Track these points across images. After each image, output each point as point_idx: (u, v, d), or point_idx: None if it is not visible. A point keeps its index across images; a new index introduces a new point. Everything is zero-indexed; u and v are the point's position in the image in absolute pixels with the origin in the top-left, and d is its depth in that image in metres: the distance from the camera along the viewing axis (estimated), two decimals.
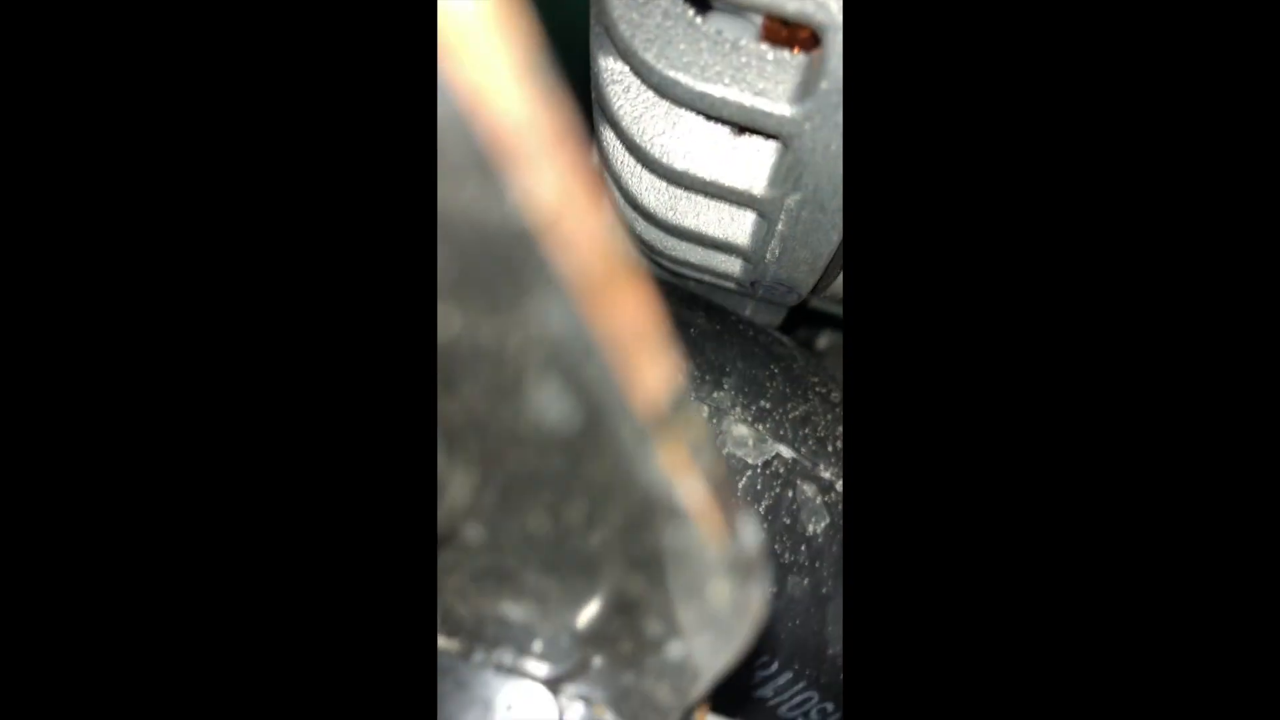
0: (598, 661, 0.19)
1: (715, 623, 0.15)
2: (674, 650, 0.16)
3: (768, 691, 0.31)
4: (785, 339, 0.35)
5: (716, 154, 0.25)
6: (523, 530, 0.14)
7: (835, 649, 0.30)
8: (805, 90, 0.22)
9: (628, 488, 0.12)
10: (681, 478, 0.12)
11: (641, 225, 0.31)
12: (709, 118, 0.25)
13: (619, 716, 0.19)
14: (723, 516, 0.13)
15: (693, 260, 0.31)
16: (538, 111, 0.09)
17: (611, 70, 0.25)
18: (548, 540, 0.14)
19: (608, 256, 0.10)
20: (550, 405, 0.11)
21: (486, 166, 0.09)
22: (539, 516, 0.14)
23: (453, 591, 0.17)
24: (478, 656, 0.19)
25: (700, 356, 0.30)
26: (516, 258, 0.10)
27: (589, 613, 0.16)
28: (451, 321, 0.11)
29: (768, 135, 0.24)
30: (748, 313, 0.37)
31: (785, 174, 0.24)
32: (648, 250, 0.33)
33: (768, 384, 0.31)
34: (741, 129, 0.25)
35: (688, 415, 0.12)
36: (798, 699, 0.31)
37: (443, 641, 0.19)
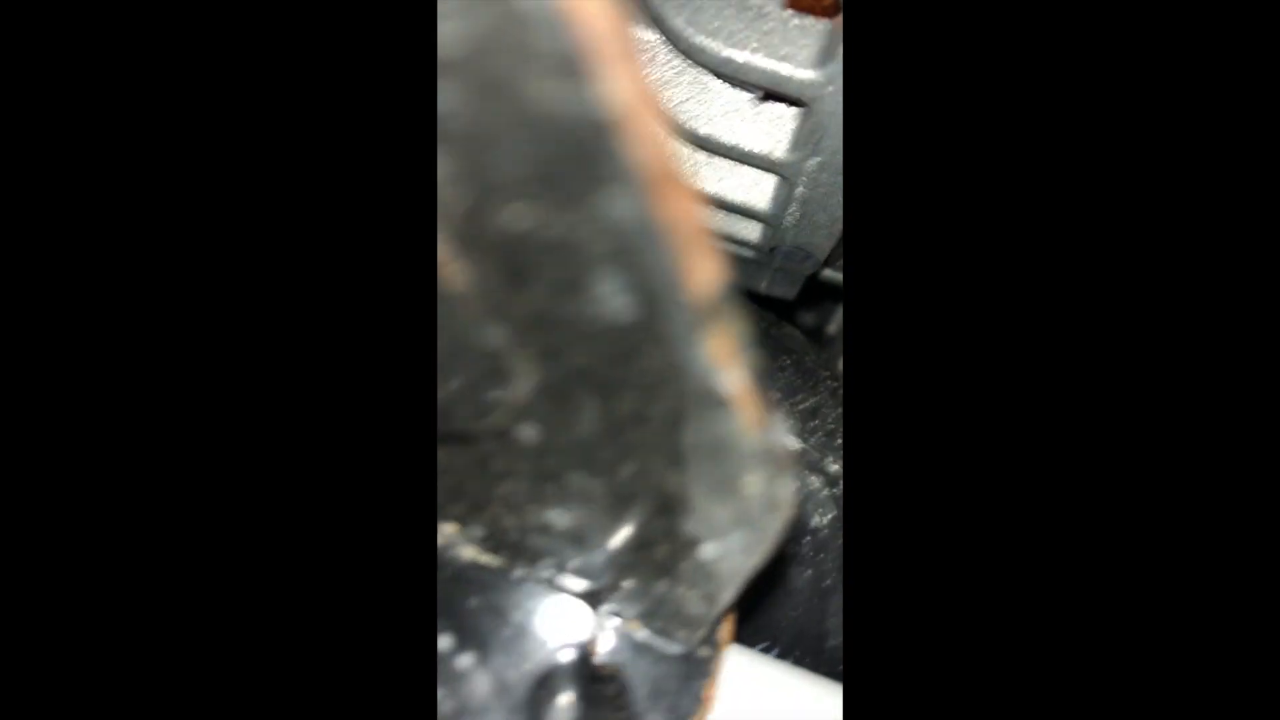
0: (632, 577, 0.20)
1: (747, 519, 0.16)
2: (707, 551, 0.17)
3: None
4: (799, 334, 0.35)
5: (740, 119, 0.27)
6: (574, 428, 0.15)
7: (835, 641, 0.30)
8: (827, 55, 0.24)
9: (678, 376, 0.13)
10: (727, 367, 0.13)
11: None
12: (734, 83, 0.26)
13: (651, 629, 0.20)
14: (760, 410, 0.15)
15: (717, 229, 0.32)
16: (615, 17, 0.10)
17: (638, 40, 0.27)
18: (597, 437, 0.15)
19: (668, 156, 0.12)
20: (612, 296, 0.13)
21: (571, 62, 0.10)
22: (592, 412, 0.15)
23: (501, 501, 0.18)
24: (519, 572, 0.21)
25: None
26: (591, 151, 0.11)
27: (630, 516, 0.17)
28: (524, 217, 0.12)
29: (790, 100, 0.26)
30: (764, 285, 0.39)
31: (806, 137, 0.26)
32: None
33: (778, 374, 0.31)
34: (766, 95, 0.27)
35: (733, 309, 0.13)
36: None
37: (487, 558, 0.21)
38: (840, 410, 0.32)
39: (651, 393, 0.14)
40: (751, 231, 0.32)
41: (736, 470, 0.15)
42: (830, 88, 0.24)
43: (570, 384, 0.15)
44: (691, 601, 0.19)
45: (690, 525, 0.17)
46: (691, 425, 0.14)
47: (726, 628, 0.21)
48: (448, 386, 0.15)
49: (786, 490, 0.15)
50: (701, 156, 0.29)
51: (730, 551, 0.17)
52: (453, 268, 0.13)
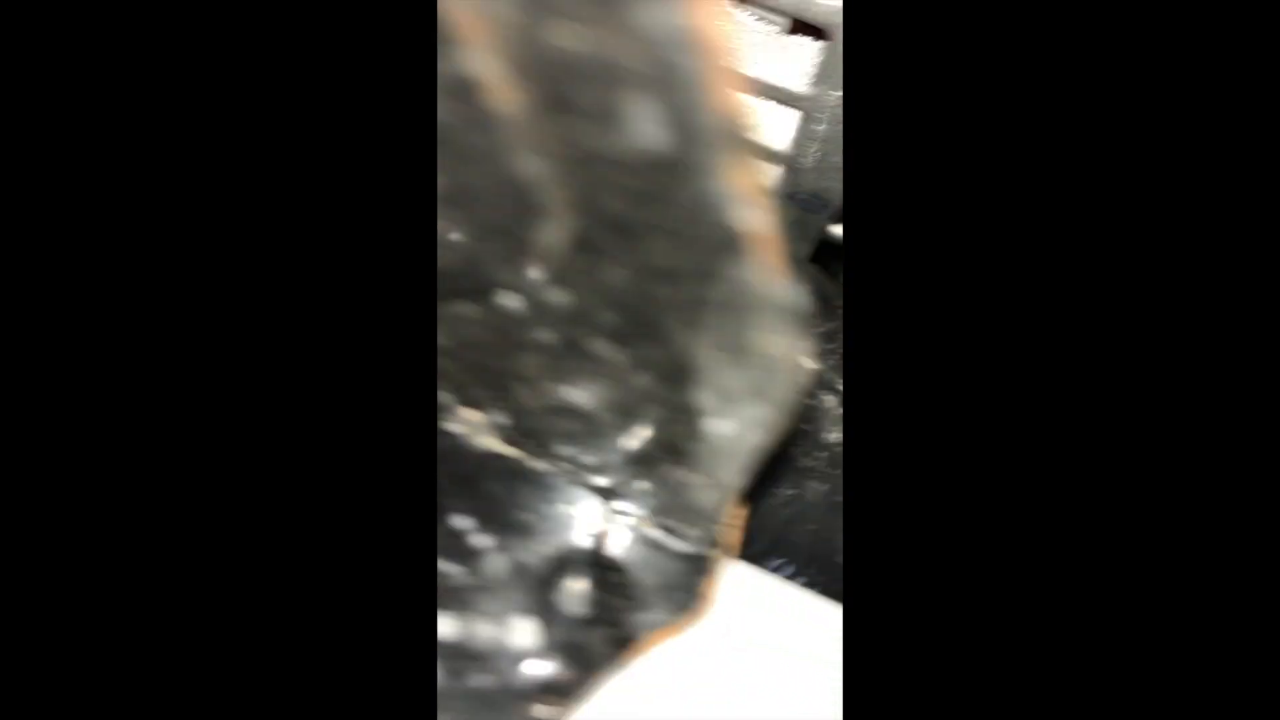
0: (646, 476, 0.20)
1: (760, 388, 0.16)
2: (719, 428, 0.17)
3: None
4: (813, 266, 0.36)
5: (764, 51, 0.27)
6: (603, 286, 0.16)
7: (839, 558, 0.31)
8: None
9: (705, 216, 0.14)
10: (749, 203, 0.14)
11: None
12: (759, 12, 0.27)
13: (662, 528, 0.21)
14: (780, 260, 0.15)
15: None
16: None
17: None
18: (625, 296, 0.16)
19: None
20: (646, 124, 0.13)
21: None
22: (622, 267, 0.15)
23: (522, 378, 0.19)
24: (539, 464, 0.21)
25: None
26: None
27: (647, 398, 0.18)
28: (570, 35, 0.13)
29: (814, 31, 0.26)
30: None
31: (829, 70, 0.26)
32: None
33: None
34: (792, 27, 0.27)
35: (758, 150, 0.13)
36: None
37: (509, 449, 0.21)
38: None
39: (679, 239, 0.14)
40: (768, 176, 0.32)
41: (754, 326, 0.15)
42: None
43: (602, 235, 0.15)
44: (701, 492, 0.19)
45: (704, 397, 0.17)
46: (715, 279, 0.15)
47: (733, 533, 0.21)
48: (483, 222, 0.15)
49: (802, 353, 0.15)
50: None
51: (742, 427, 0.17)
52: (501, 90, 0.14)
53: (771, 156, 0.31)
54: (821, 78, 0.27)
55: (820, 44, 0.27)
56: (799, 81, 0.27)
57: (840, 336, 0.33)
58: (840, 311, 0.33)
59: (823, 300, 0.33)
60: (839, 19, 0.25)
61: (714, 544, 0.21)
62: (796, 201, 0.33)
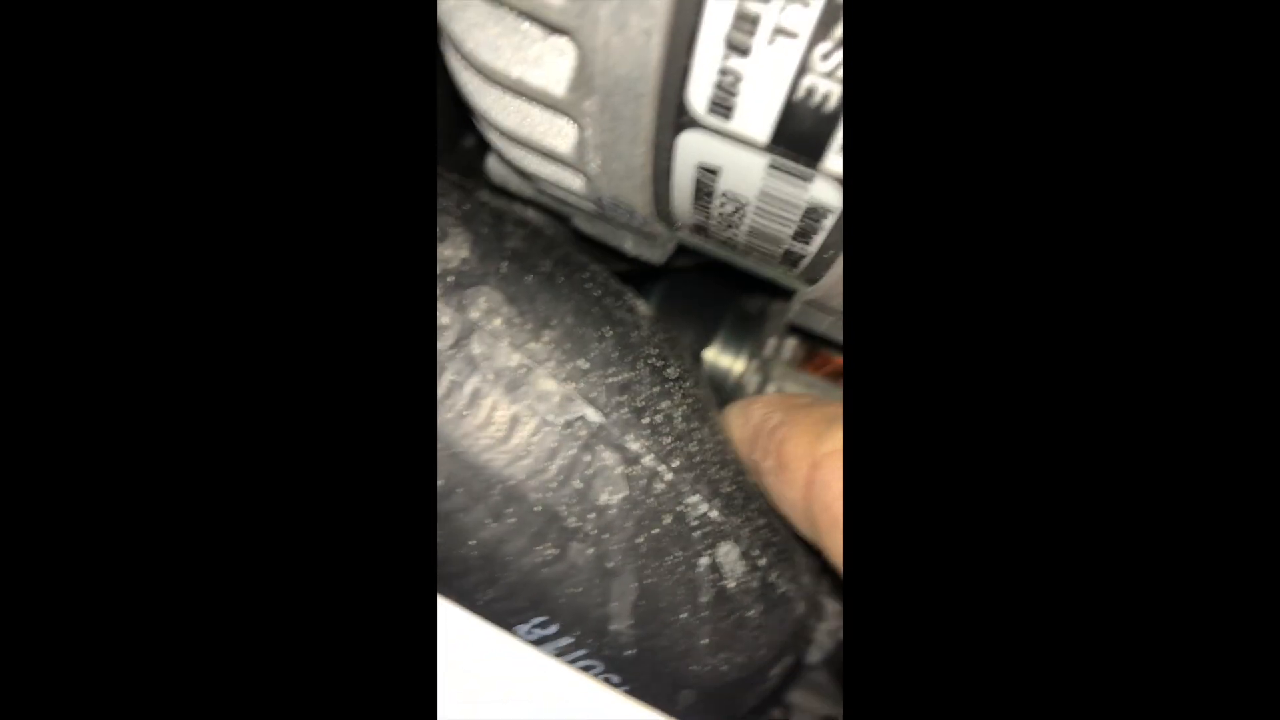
0: None
1: None
2: None
3: (549, 651, 0.30)
4: (642, 305, 0.34)
5: (524, 51, 0.25)
6: None
7: (618, 625, 0.29)
8: None
9: None
10: None
11: (491, 135, 0.31)
12: (515, 11, 0.25)
13: None
14: None
15: (542, 174, 0.31)
16: None
17: None
18: None
19: None
20: None
21: None
22: None
23: None
24: None
25: (529, 304, 0.29)
26: None
27: None
28: None
29: (559, 29, 0.24)
30: (629, 245, 0.37)
31: (579, 74, 0.24)
32: (514, 170, 0.33)
33: (594, 345, 0.29)
34: (547, 25, 0.25)
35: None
36: (580, 664, 0.30)
37: None
38: (658, 389, 0.30)
39: None
40: (575, 181, 0.30)
41: None
42: (586, 17, 0.23)
43: None
44: None
45: None
46: None
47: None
48: None
49: None
50: (500, 92, 0.28)
51: None
52: None
53: (564, 162, 0.29)
54: (575, 84, 0.25)
55: (572, 49, 0.25)
56: (555, 84, 0.25)
57: (635, 389, 0.30)
58: (646, 364, 0.30)
59: (626, 348, 0.30)
60: (572, 19, 0.23)
61: None
62: (604, 207, 0.31)
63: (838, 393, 0.32)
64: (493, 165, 0.39)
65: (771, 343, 0.53)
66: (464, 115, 0.56)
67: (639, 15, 0.22)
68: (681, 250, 0.38)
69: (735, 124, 0.24)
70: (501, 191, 0.40)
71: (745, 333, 0.55)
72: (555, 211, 0.39)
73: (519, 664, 0.21)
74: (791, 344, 0.53)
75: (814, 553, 0.33)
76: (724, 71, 0.22)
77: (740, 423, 0.32)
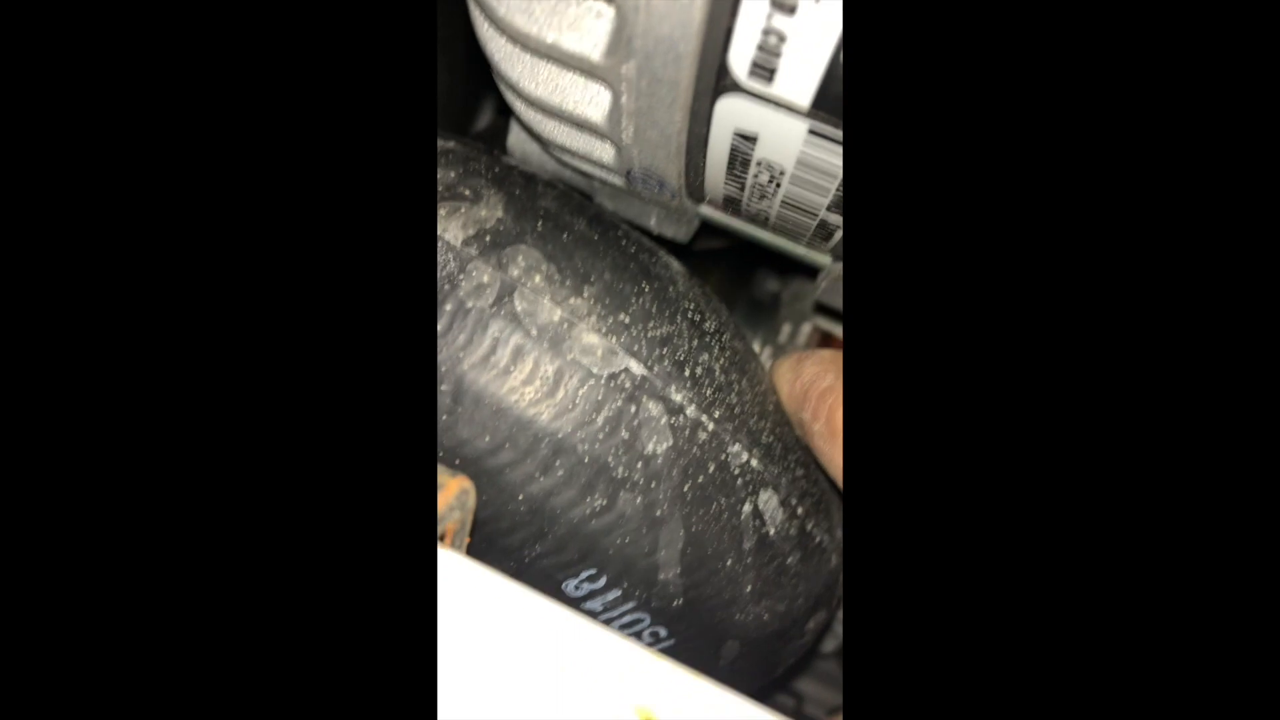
0: None
1: None
2: None
3: (596, 605, 0.31)
4: (675, 263, 0.34)
5: (559, 15, 0.25)
6: None
7: (666, 575, 0.29)
8: None
9: None
10: None
11: (520, 105, 0.30)
12: None
13: None
14: None
15: (572, 147, 0.31)
16: None
17: None
18: None
19: None
20: None
21: None
22: None
23: None
24: None
25: (567, 261, 0.29)
26: None
27: None
28: None
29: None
30: (653, 222, 0.37)
31: (617, 37, 0.24)
32: (538, 139, 0.32)
33: (633, 300, 0.30)
34: None
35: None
36: (628, 618, 0.31)
37: None
38: (697, 342, 0.30)
39: None
40: (605, 152, 0.30)
41: None
42: None
43: None
44: None
45: None
46: None
47: (450, 527, 0.20)
48: None
49: None
50: (533, 59, 0.27)
51: None
52: None
53: (596, 131, 0.29)
54: (613, 48, 0.25)
55: (611, 9, 0.25)
56: (593, 49, 0.25)
57: (675, 342, 0.30)
58: (684, 317, 0.31)
59: (664, 302, 0.30)
60: None
61: None
62: (634, 181, 0.31)
63: None
64: (513, 143, 0.38)
65: (786, 329, 0.53)
66: (476, 98, 0.56)
67: None
68: (703, 230, 0.38)
69: (776, 88, 0.24)
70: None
71: (759, 320, 0.54)
72: (578, 189, 0.38)
73: (574, 634, 0.20)
74: (807, 330, 0.53)
75: None
76: (768, 31, 0.22)
77: (790, 378, 0.32)
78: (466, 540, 0.24)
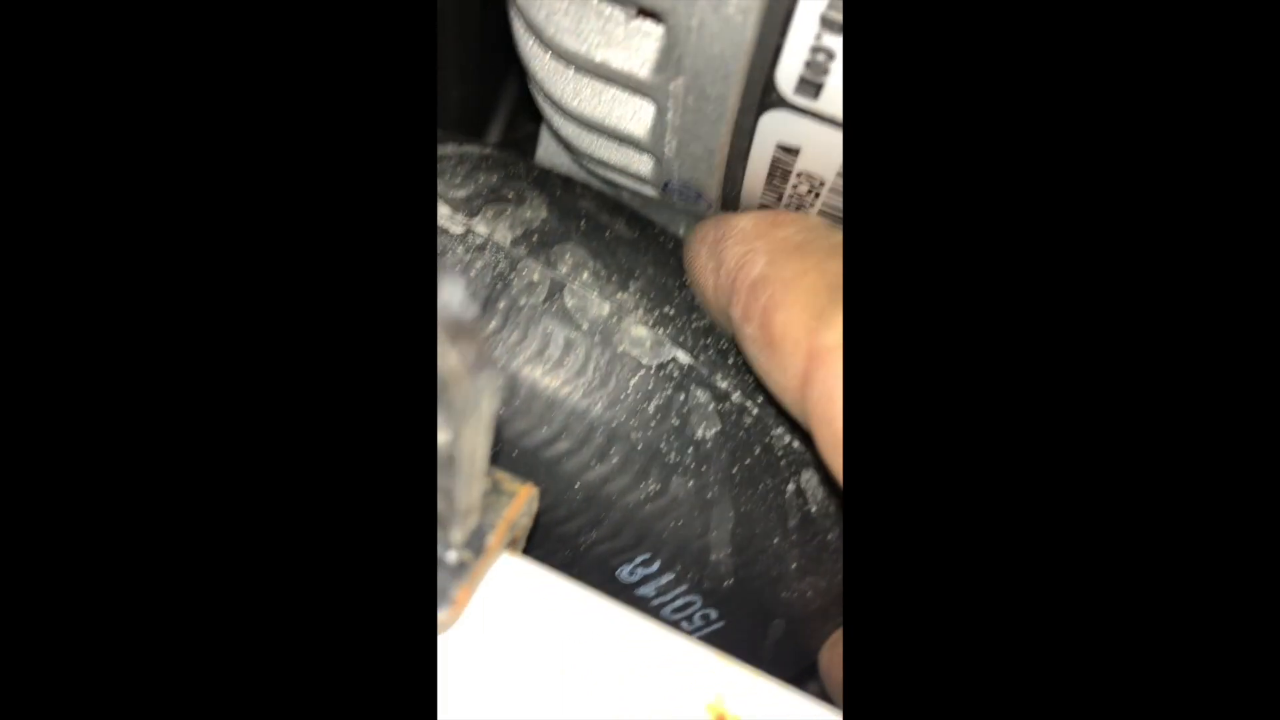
0: None
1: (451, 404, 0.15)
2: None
3: (649, 590, 0.32)
4: None
5: (608, 34, 0.26)
6: None
7: (718, 555, 0.31)
8: None
9: None
10: None
11: (559, 120, 0.31)
12: None
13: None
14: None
15: (610, 160, 0.32)
16: None
17: None
18: None
19: None
20: None
21: None
22: None
23: None
24: None
25: (611, 258, 0.31)
26: None
27: None
28: None
29: (649, 13, 0.25)
30: (681, 230, 0.38)
31: (666, 55, 0.25)
32: (574, 152, 0.33)
33: (675, 293, 0.32)
34: (637, 9, 0.26)
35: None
36: (680, 601, 0.32)
37: None
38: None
39: None
40: (643, 165, 0.31)
41: None
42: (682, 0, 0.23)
43: None
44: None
45: None
46: None
47: (499, 536, 0.21)
48: None
49: (448, 362, 0.14)
50: (577, 75, 0.28)
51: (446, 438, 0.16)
52: None
53: (637, 145, 0.29)
54: (661, 65, 0.25)
55: (660, 29, 0.25)
56: (641, 67, 0.26)
57: (718, 333, 0.31)
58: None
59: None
60: (672, 3, 0.23)
61: (475, 548, 0.20)
62: (673, 193, 0.32)
63: (835, 230, 0.26)
64: (542, 155, 0.39)
65: None
66: (488, 110, 0.57)
67: None
68: None
69: (823, 102, 0.24)
70: None
71: None
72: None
73: (641, 636, 0.21)
74: None
75: None
76: (817, 49, 0.23)
77: (710, 266, 0.28)
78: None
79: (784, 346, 0.23)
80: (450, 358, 0.14)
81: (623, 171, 0.32)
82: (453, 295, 0.13)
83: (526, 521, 0.23)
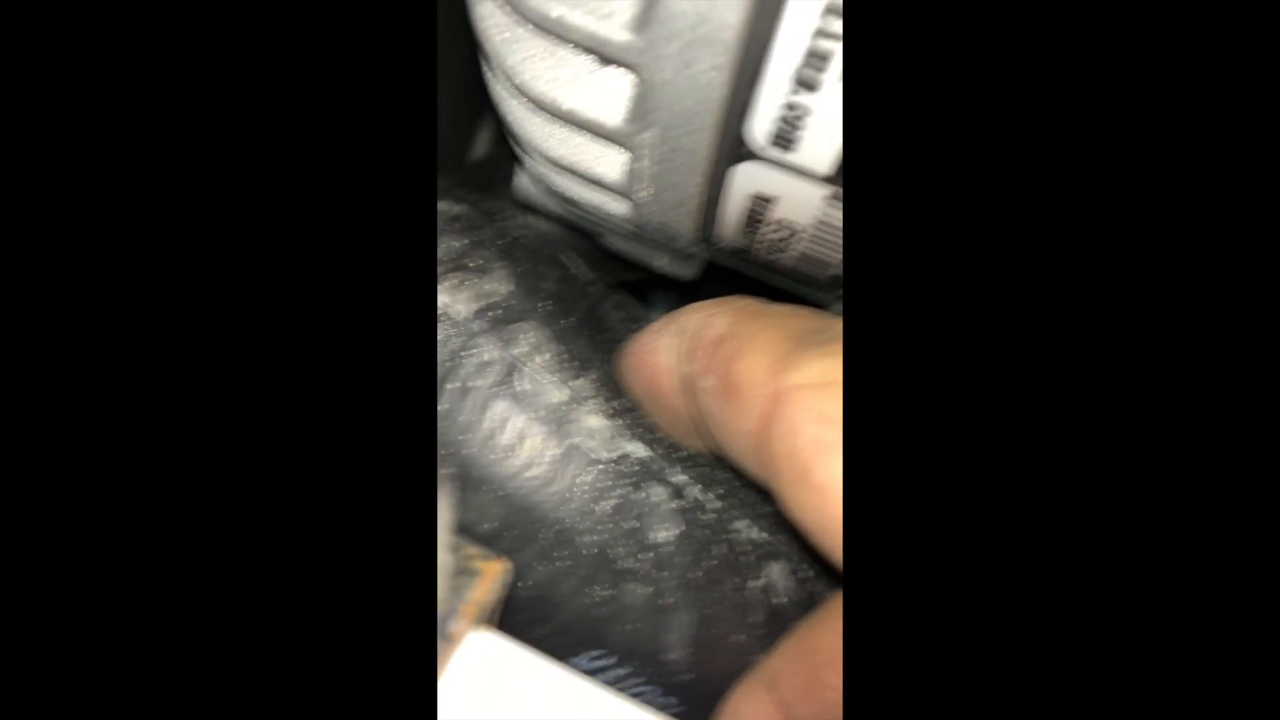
0: None
1: None
2: None
3: (606, 679, 0.30)
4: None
5: (579, 83, 0.25)
6: None
7: (677, 654, 0.29)
8: (645, 18, 0.22)
9: None
10: None
11: (531, 161, 0.30)
12: (570, 44, 0.25)
13: None
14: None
15: (584, 200, 0.31)
16: None
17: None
18: None
19: None
20: None
21: None
22: None
23: None
24: None
25: (572, 343, 0.29)
26: None
27: None
28: None
29: (620, 64, 0.24)
30: (665, 263, 0.37)
31: (638, 106, 0.24)
32: (546, 190, 0.32)
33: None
34: (605, 59, 0.25)
35: None
36: (636, 690, 0.31)
37: None
38: None
39: None
40: (618, 206, 0.30)
41: None
42: (651, 53, 0.22)
43: None
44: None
45: None
46: None
47: (465, 619, 0.20)
48: None
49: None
50: (548, 121, 0.27)
51: None
52: None
53: (610, 189, 0.29)
54: (634, 115, 0.25)
55: (631, 78, 0.25)
56: (611, 115, 0.25)
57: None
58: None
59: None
60: (635, 56, 0.23)
61: (444, 632, 0.19)
62: (646, 230, 0.31)
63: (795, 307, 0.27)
64: (522, 185, 0.39)
65: None
66: (472, 128, 0.56)
67: (709, 52, 0.22)
68: (711, 264, 0.38)
69: (796, 156, 0.24)
70: (528, 208, 0.40)
71: None
72: (585, 228, 0.38)
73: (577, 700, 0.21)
74: None
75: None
76: (790, 106, 0.22)
77: (669, 342, 0.27)
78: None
79: (745, 391, 0.23)
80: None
81: (597, 212, 0.31)
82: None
83: (498, 596, 0.22)
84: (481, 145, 0.56)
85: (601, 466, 0.27)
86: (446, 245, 0.28)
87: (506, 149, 0.53)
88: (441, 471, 0.14)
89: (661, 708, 0.31)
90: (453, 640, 0.19)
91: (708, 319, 0.25)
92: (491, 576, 0.20)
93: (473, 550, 0.21)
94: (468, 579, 0.20)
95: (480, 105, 0.54)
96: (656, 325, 0.28)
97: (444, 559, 0.18)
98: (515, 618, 0.28)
